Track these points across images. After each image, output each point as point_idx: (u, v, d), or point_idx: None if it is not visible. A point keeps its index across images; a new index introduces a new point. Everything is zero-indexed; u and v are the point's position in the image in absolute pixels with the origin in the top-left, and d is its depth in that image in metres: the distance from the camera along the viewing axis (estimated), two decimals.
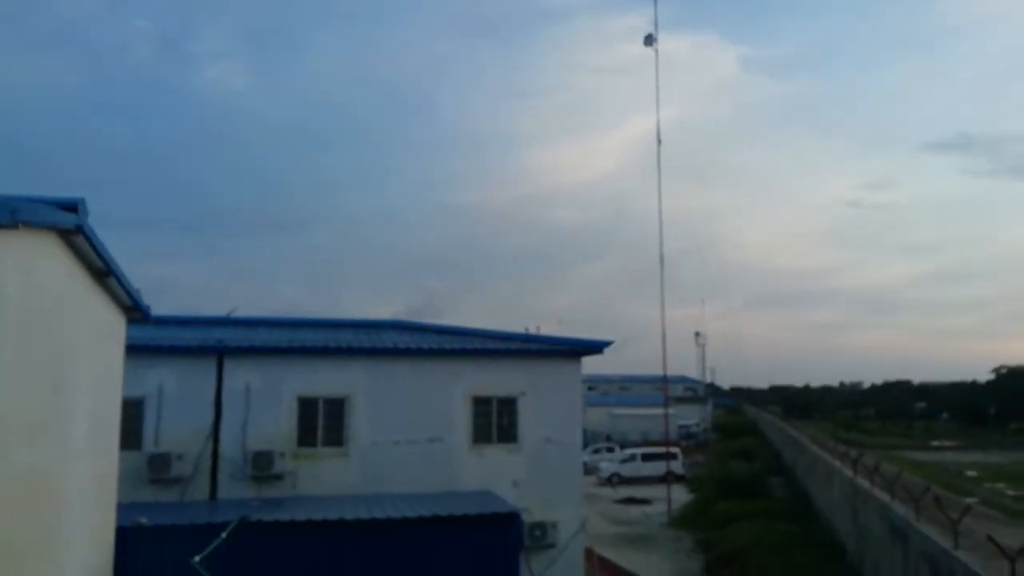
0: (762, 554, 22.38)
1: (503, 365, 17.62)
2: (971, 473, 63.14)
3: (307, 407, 16.45)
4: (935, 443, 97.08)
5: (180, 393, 15.82)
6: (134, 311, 10.61)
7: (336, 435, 16.47)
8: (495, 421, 17.47)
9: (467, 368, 17.39)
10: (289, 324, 19.34)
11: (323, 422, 16.45)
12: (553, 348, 18.01)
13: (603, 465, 46.62)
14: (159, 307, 12.76)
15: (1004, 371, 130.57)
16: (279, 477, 15.85)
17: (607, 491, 37.41)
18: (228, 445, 15.84)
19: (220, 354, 16.03)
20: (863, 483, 18.32)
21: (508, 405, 17.60)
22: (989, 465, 70.39)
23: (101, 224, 7.40)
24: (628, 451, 50.09)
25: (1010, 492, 51.96)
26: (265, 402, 16.14)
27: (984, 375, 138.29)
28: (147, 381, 15.66)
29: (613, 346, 18.45)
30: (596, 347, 18.15)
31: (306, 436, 16.36)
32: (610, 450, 54.95)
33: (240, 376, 16.09)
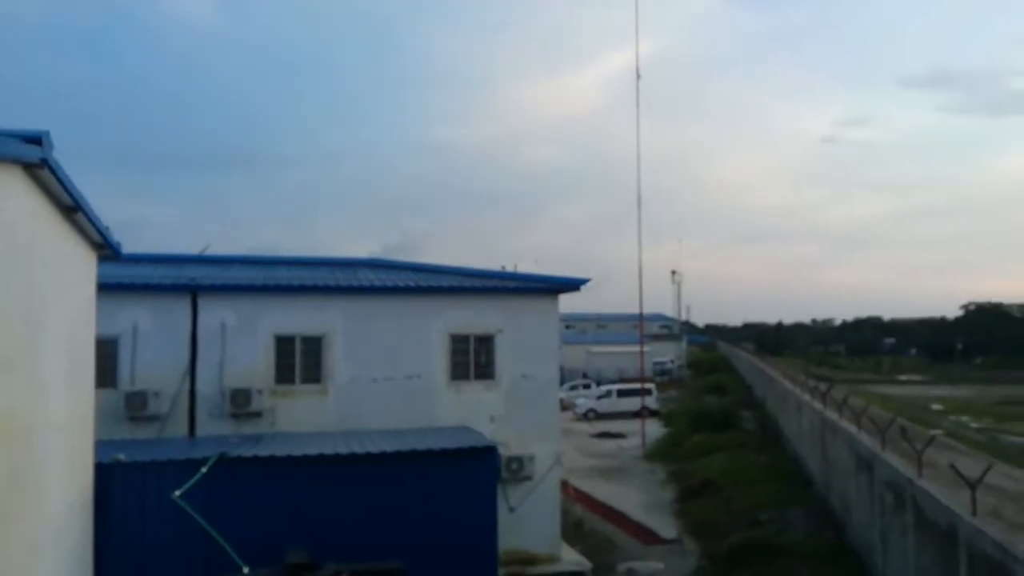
0: (731, 484, 23.05)
1: (480, 303, 17.65)
2: (937, 407, 65.11)
3: (284, 345, 16.43)
4: (903, 378, 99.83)
5: (155, 331, 15.71)
6: (104, 248, 10.46)
7: (314, 373, 16.51)
8: (472, 358, 17.59)
9: (444, 306, 17.41)
10: (264, 262, 19.15)
11: (301, 360, 16.46)
12: (530, 286, 18.05)
13: (579, 401, 47.33)
14: (131, 246, 12.60)
15: (972, 308, 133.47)
16: (257, 414, 15.92)
17: (583, 426, 38.09)
18: (205, 383, 15.83)
19: (194, 292, 15.88)
20: (831, 415, 18.79)
21: (485, 342, 17.70)
22: (955, 399, 72.58)
23: (67, 161, 7.24)
24: (604, 387, 50.84)
25: (974, 424, 53.74)
26: (241, 340, 16.10)
27: (953, 312, 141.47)
28: (121, 319, 15.52)
29: (590, 284, 18.55)
30: (573, 285, 18.22)
31: (284, 374, 16.38)
32: (586, 387, 55.76)
33: (215, 314, 15.99)
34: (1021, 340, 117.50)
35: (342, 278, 17.58)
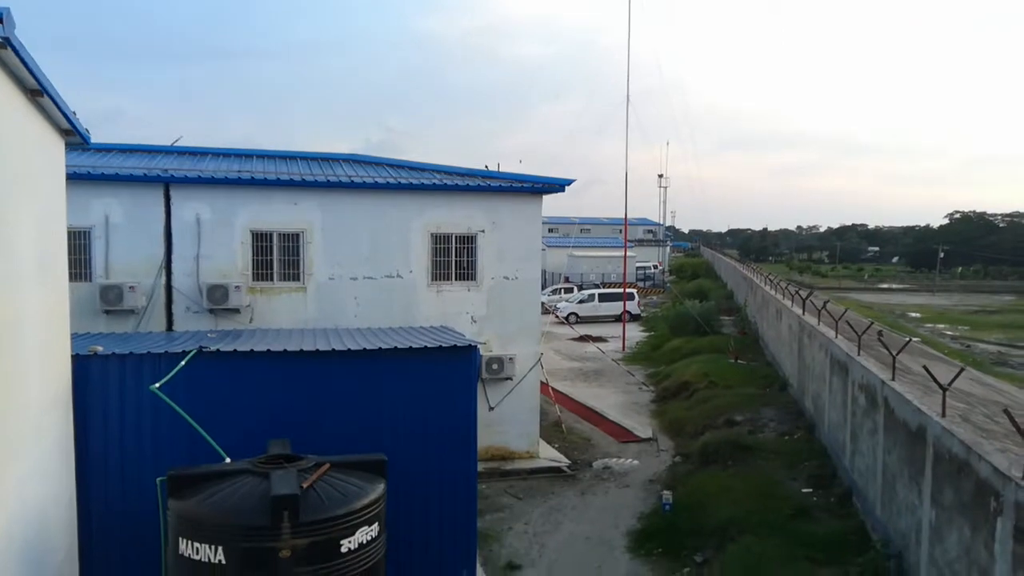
0: (708, 387, 23.47)
1: (463, 202, 17.37)
2: (915, 314, 66.35)
3: (261, 241, 16.19)
4: (884, 286, 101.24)
5: (128, 224, 15.41)
6: (72, 134, 10.02)
7: (292, 270, 16.35)
8: (454, 258, 17.45)
9: (426, 204, 17.12)
10: (238, 155, 18.64)
11: (278, 256, 16.26)
12: (514, 186, 17.72)
13: (561, 305, 47.65)
14: (102, 137, 12.14)
15: (957, 216, 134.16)
16: (235, 311, 15.83)
17: (565, 330, 38.42)
18: (181, 278, 15.65)
19: (167, 184, 15.49)
20: (810, 321, 18.94)
21: (467, 242, 17.53)
22: (933, 307, 73.92)
23: (33, 46, 6.87)
24: (586, 292, 51.14)
25: (949, 332, 54.86)
26: (217, 235, 15.84)
27: (939, 221, 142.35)
28: (93, 211, 15.21)
29: (574, 187, 18.29)
30: (557, 185, 17.91)
31: (261, 270, 16.22)
32: (568, 291, 56.07)
33: (189, 208, 15.66)
34: (1003, 250, 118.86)
35: (320, 173, 17.18)
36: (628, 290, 45.27)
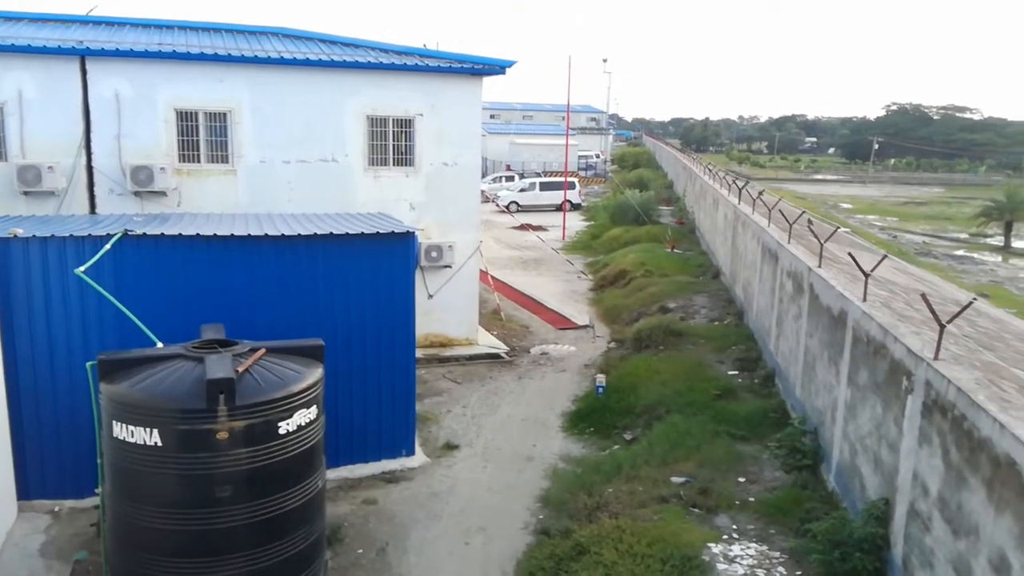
0: (644, 275, 23.94)
1: (400, 82, 16.76)
2: (846, 205, 68.21)
3: (186, 120, 15.45)
4: (819, 177, 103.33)
5: (43, 100, 14.49)
6: None
7: (221, 151, 15.72)
8: (392, 143, 17.02)
9: (361, 84, 16.47)
10: (159, 27, 17.46)
11: (205, 137, 15.58)
12: (453, 66, 17.14)
13: (502, 193, 47.37)
14: (8, 5, 11.18)
15: (894, 108, 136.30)
16: (162, 193, 15.27)
17: (505, 218, 38.36)
18: (102, 158, 14.92)
19: (82, 58, 14.51)
20: (744, 210, 19.27)
21: (405, 126, 17.06)
22: (864, 198, 76.05)
23: None
24: (527, 180, 50.83)
25: (878, 223, 56.72)
26: (138, 113, 15.03)
27: (876, 112, 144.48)
28: (5, 85, 14.29)
29: (516, 73, 17.93)
30: (498, 66, 17.39)
31: (188, 151, 15.55)
32: (509, 179, 55.66)
33: (107, 83, 14.75)
34: (935, 142, 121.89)
35: (247, 48, 16.26)
36: (569, 179, 45.15)
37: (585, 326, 20.87)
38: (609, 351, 18.16)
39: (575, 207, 44.87)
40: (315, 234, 11.50)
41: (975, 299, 8.78)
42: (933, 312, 7.31)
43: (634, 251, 27.86)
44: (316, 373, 8.44)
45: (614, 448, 12.70)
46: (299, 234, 11.42)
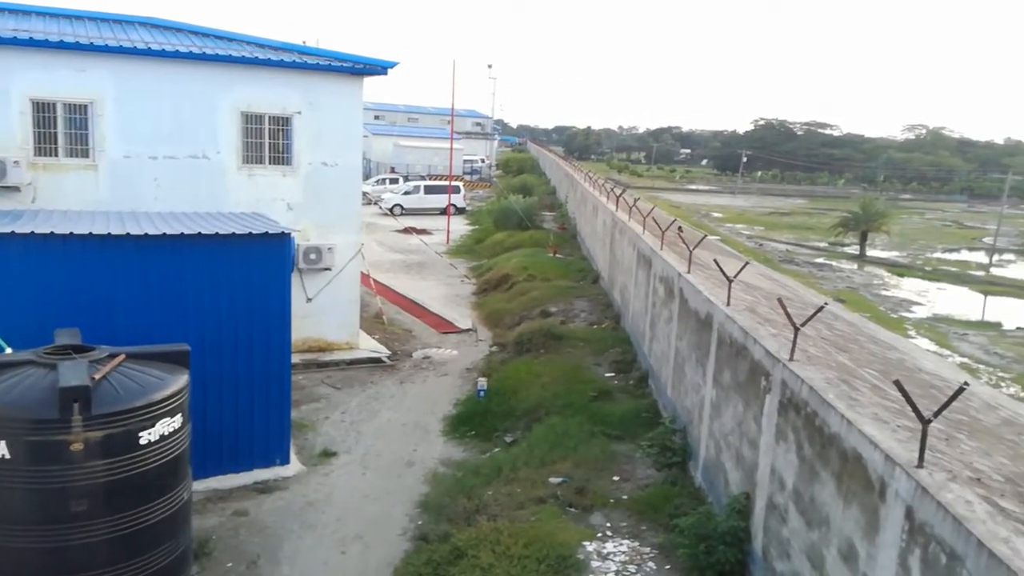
0: (527, 279, 24.27)
1: (277, 79, 16.28)
2: (717, 214, 71.47)
3: (43, 111, 14.45)
4: (692, 187, 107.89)
5: None
6: None
7: (81, 145, 14.79)
8: (268, 140, 16.50)
9: (236, 79, 15.89)
10: (14, 11, 16.23)
11: (64, 129, 14.62)
12: (333, 64, 16.80)
13: (386, 196, 46.87)
14: None
15: (762, 123, 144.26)
16: (15, 189, 14.21)
17: (389, 221, 37.96)
18: None
19: None
20: (622, 217, 19.85)
21: (282, 124, 16.59)
22: (733, 208, 79.93)
23: None
24: (412, 183, 50.52)
25: (746, 232, 59.73)
26: None
27: (745, 126, 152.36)
28: None
29: (402, 74, 18.12)
30: (380, 67, 17.19)
31: (45, 144, 14.55)
32: (393, 181, 55.15)
33: None
34: (798, 156, 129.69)
35: (112, 37, 15.35)
36: (454, 183, 45.18)
37: (468, 330, 20.92)
38: (491, 355, 18.27)
39: (460, 211, 44.99)
40: (182, 234, 11.01)
41: (826, 304, 9.39)
42: (788, 316, 7.76)
43: (517, 256, 28.19)
44: (181, 380, 8.09)
45: (495, 451, 12.78)
46: (164, 234, 10.90)
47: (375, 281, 22.91)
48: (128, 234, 10.67)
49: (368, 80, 17.36)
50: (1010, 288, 41.83)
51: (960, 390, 5.05)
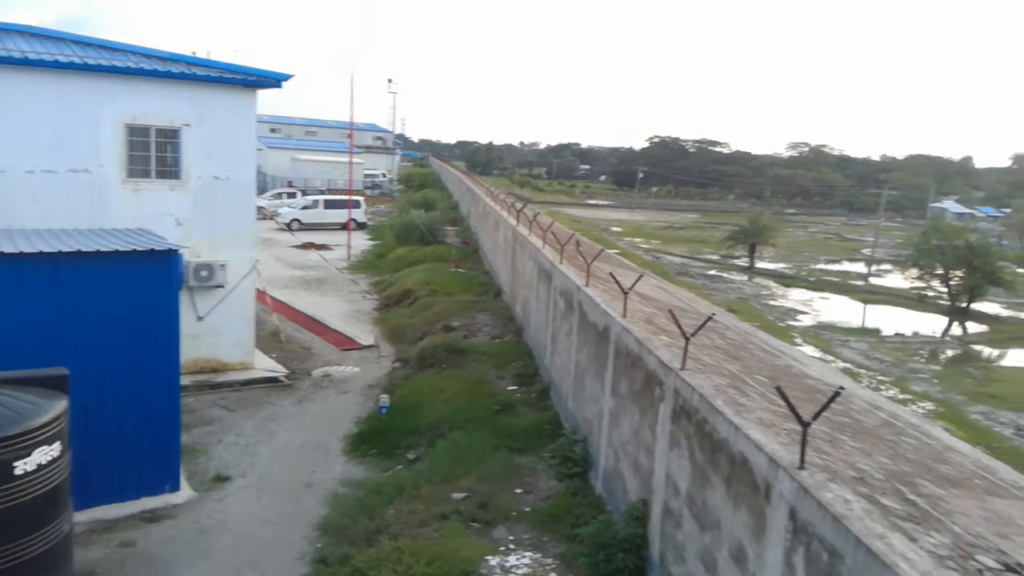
0: (429, 294, 24.15)
1: (164, 90, 15.67)
2: (616, 228, 73.17)
3: None
4: (592, 202, 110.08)
5: None
6: None
7: None
8: (154, 153, 15.85)
9: (119, 90, 15.20)
10: None
11: None
12: (224, 76, 16.31)
13: (283, 210, 45.75)
14: None
15: (656, 140, 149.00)
16: None
17: (287, 237, 37.06)
18: None
19: None
20: (523, 231, 20.06)
21: (170, 136, 15.97)
22: (631, 222, 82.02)
23: None
24: (310, 197, 49.54)
25: (643, 245, 61.35)
26: None
27: (641, 143, 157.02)
28: None
29: (299, 87, 17.54)
30: (273, 79, 16.81)
31: None
32: (291, 196, 53.92)
33: None
34: (691, 172, 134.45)
35: None
36: (355, 198, 44.55)
37: (370, 346, 20.61)
38: (394, 371, 18.06)
39: (360, 226, 44.36)
40: (60, 252, 10.45)
41: (714, 315, 9.72)
42: (679, 326, 8.01)
43: (419, 271, 28.01)
44: (59, 406, 7.65)
45: (397, 468, 12.61)
46: (41, 251, 10.31)
47: (272, 298, 22.30)
48: (1, 252, 10.02)
49: (264, 93, 17.00)
50: (887, 297, 44.58)
51: (836, 394, 5.33)
